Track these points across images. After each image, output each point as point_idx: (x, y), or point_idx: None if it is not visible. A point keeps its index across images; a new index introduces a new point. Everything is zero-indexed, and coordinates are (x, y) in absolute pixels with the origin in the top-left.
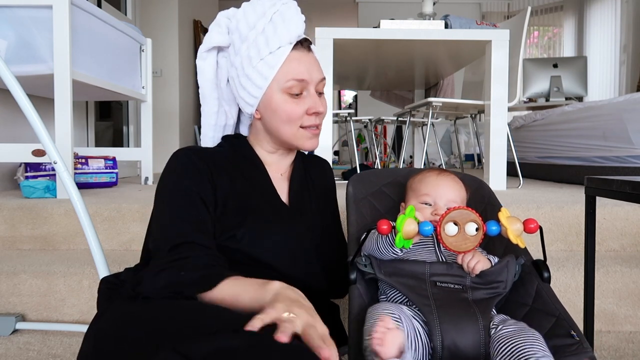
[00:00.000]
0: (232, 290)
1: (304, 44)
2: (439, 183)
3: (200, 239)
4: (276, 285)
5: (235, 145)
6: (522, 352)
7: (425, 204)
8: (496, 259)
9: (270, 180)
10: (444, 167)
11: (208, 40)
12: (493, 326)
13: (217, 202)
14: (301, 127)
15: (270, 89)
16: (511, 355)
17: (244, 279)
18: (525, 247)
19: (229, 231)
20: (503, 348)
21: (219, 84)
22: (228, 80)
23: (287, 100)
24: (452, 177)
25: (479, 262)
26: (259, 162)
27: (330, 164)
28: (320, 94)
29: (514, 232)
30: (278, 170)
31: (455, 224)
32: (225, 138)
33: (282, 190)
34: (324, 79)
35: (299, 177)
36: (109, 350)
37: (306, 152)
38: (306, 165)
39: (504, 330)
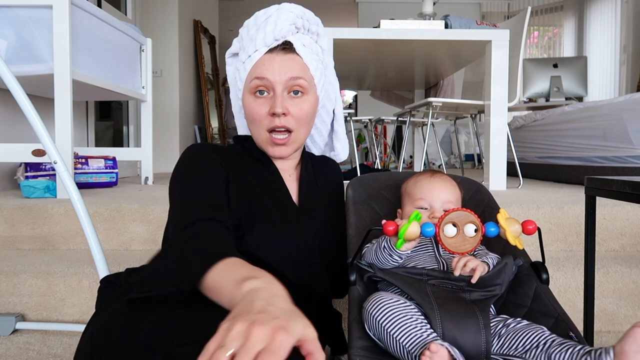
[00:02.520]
0: (218, 281)
1: (281, 46)
2: (433, 186)
3: (210, 214)
4: (252, 285)
5: (246, 147)
6: (538, 338)
7: (422, 208)
8: (494, 258)
9: (282, 181)
10: (444, 167)
11: (230, 48)
12: (502, 326)
13: (230, 196)
14: (267, 130)
15: (244, 90)
16: (527, 342)
17: (233, 269)
18: (524, 249)
19: (237, 231)
20: (518, 339)
21: None
22: None
23: (252, 101)
24: (445, 177)
25: (471, 264)
26: (270, 163)
27: None
28: (299, 94)
29: (513, 234)
30: (286, 171)
31: (454, 225)
32: (236, 139)
33: (292, 190)
34: (300, 78)
35: (307, 177)
36: (103, 351)
37: (316, 154)
38: (315, 165)
39: (516, 325)
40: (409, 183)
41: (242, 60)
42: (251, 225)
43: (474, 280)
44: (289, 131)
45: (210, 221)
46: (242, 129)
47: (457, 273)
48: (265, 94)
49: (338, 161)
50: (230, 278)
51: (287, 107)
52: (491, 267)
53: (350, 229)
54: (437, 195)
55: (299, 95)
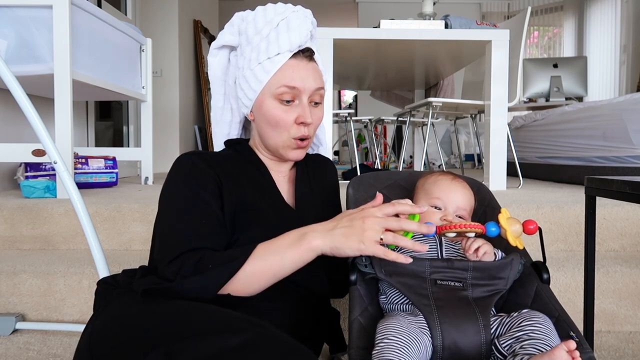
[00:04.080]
0: (269, 259)
1: (304, 53)
2: (452, 189)
3: (205, 244)
4: (306, 230)
5: (239, 150)
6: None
7: (435, 207)
8: (502, 254)
9: (274, 184)
10: (444, 167)
11: (220, 39)
12: (507, 317)
13: (225, 204)
14: (294, 137)
15: (263, 93)
16: (523, 331)
17: (271, 242)
18: (525, 248)
19: (234, 235)
20: (515, 327)
21: (227, 81)
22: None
23: (276, 107)
24: (465, 184)
25: (482, 247)
26: (262, 166)
27: None
28: (317, 104)
29: (513, 234)
30: (280, 173)
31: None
32: (227, 143)
33: (287, 192)
34: (321, 88)
35: (302, 178)
36: (102, 351)
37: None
38: (309, 166)
39: (519, 314)
40: (428, 180)
41: (257, 61)
42: (245, 227)
43: (478, 256)
44: (308, 138)
45: (200, 250)
46: (222, 125)
47: (469, 252)
48: (291, 102)
49: (328, 154)
50: (280, 246)
51: (311, 116)
52: (498, 257)
53: None
54: (454, 199)
55: (317, 105)
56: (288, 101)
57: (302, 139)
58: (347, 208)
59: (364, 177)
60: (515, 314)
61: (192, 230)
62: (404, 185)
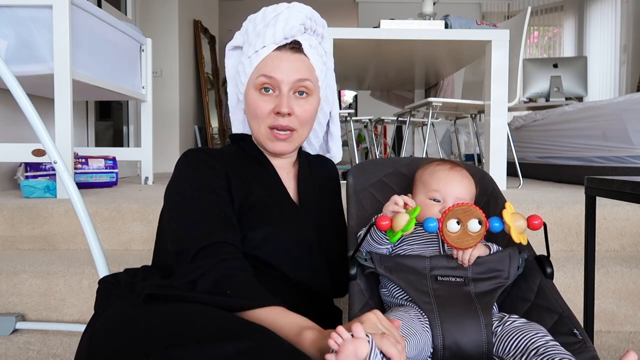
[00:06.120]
0: (274, 322)
1: (290, 45)
2: (450, 179)
3: (225, 237)
4: (311, 335)
5: (242, 146)
6: (531, 342)
7: (434, 200)
8: (497, 247)
9: (280, 180)
10: None
11: (232, 40)
12: (499, 324)
13: (233, 201)
14: (269, 127)
15: (248, 85)
16: (520, 346)
17: (287, 314)
18: (529, 243)
19: (241, 232)
20: (511, 341)
21: None
22: None
23: (256, 97)
24: (464, 172)
25: (473, 252)
26: (267, 162)
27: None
28: (303, 94)
29: (517, 230)
30: (282, 169)
31: (458, 222)
32: (232, 138)
33: (290, 189)
34: (307, 80)
35: (304, 175)
36: (103, 352)
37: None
38: (311, 164)
39: (511, 324)
40: (425, 171)
41: (247, 55)
42: (252, 225)
43: (469, 263)
44: (291, 130)
45: (223, 244)
46: (236, 124)
47: (466, 265)
48: (271, 91)
49: (336, 160)
50: (285, 326)
51: (292, 107)
52: (493, 250)
53: (351, 220)
54: (452, 190)
55: (304, 96)
56: (267, 89)
57: (280, 130)
58: (347, 197)
59: (364, 164)
60: (509, 322)
61: (209, 225)
62: (405, 173)
